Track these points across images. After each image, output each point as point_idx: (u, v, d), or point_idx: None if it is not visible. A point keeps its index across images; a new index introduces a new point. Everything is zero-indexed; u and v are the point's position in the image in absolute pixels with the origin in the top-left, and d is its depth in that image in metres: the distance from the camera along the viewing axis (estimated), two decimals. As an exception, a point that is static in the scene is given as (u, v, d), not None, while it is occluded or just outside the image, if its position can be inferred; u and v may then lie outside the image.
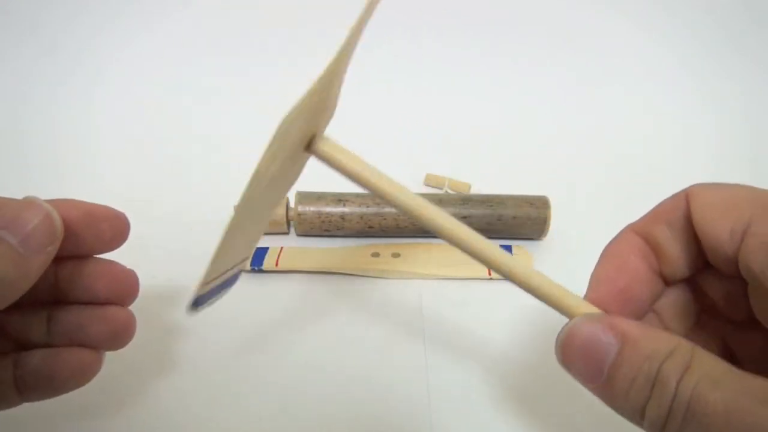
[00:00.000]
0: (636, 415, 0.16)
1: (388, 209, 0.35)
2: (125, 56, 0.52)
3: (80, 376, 0.22)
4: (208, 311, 0.31)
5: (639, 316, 0.20)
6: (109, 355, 0.23)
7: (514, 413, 0.27)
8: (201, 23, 0.52)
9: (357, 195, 0.36)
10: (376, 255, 0.35)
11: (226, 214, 0.39)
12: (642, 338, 0.16)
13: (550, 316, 0.32)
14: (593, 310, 0.19)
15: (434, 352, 0.29)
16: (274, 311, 0.32)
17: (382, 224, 0.36)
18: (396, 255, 0.35)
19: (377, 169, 0.19)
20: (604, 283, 0.20)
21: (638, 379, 0.16)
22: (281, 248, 0.35)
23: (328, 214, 0.35)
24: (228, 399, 0.27)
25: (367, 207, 0.35)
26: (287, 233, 0.37)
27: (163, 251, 0.35)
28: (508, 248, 0.35)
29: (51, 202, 0.20)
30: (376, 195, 0.19)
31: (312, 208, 0.35)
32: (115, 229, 0.22)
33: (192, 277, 0.35)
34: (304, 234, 0.37)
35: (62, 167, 0.44)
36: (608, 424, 0.26)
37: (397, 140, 0.48)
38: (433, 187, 0.43)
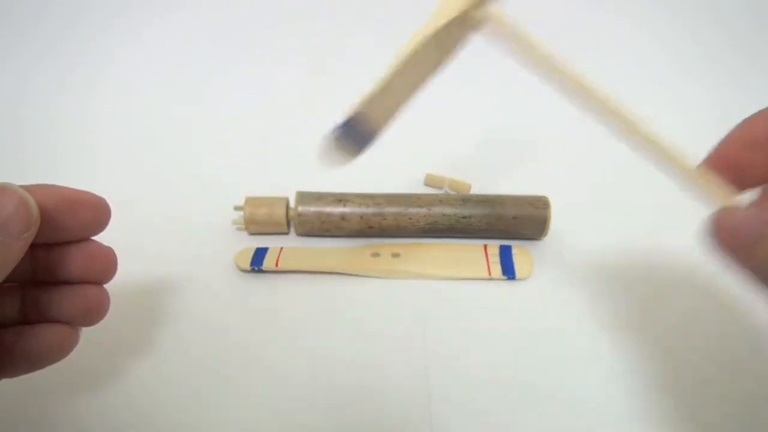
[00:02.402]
0: None
1: (388, 209, 0.35)
2: (125, 56, 0.52)
3: (57, 351, 0.22)
4: (207, 309, 0.32)
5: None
6: (111, 362, 0.23)
7: (514, 413, 0.27)
8: (200, 24, 0.52)
9: (357, 195, 0.36)
10: (376, 255, 0.35)
11: (223, 213, 0.40)
12: None
13: (550, 316, 0.32)
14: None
15: (434, 352, 0.29)
16: (274, 311, 0.32)
17: (382, 224, 0.36)
18: (396, 255, 0.35)
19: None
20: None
21: None
22: (281, 248, 0.35)
23: (328, 214, 0.35)
24: (227, 399, 0.27)
25: (367, 207, 0.35)
26: (287, 233, 0.37)
27: (159, 247, 0.35)
28: (508, 248, 0.35)
29: (27, 187, 0.20)
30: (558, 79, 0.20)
31: (312, 208, 0.35)
32: (95, 215, 0.22)
33: (186, 273, 0.35)
34: (304, 234, 0.37)
35: (61, 166, 0.44)
36: (608, 425, 0.26)
37: (397, 140, 0.48)
38: (433, 187, 0.43)
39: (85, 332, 0.24)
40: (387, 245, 0.36)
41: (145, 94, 0.51)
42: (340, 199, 0.35)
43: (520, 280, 0.34)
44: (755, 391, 0.28)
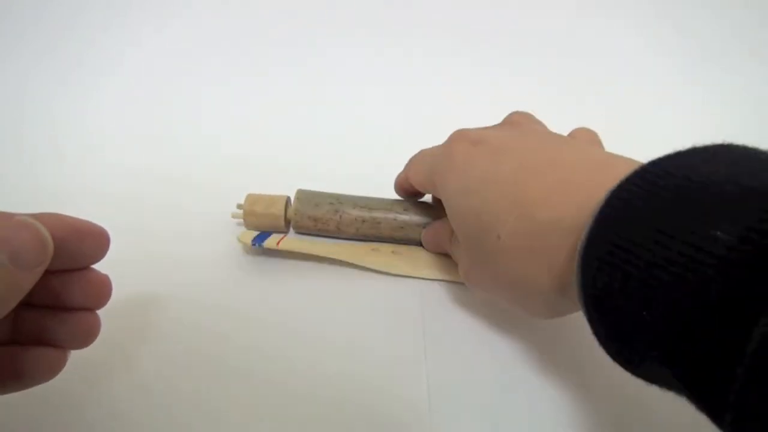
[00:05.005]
0: None
1: (384, 223, 0.35)
2: (125, 55, 0.52)
3: (47, 373, 0.23)
4: (204, 304, 0.31)
5: None
6: (108, 346, 0.23)
7: (513, 415, 0.27)
8: (201, 23, 0.52)
9: (354, 205, 0.36)
10: (375, 251, 0.35)
11: (222, 213, 0.39)
12: None
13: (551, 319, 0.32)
14: None
15: (434, 353, 0.29)
16: (271, 308, 0.32)
17: (379, 238, 0.36)
18: (396, 253, 0.35)
19: None
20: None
21: None
22: (282, 235, 0.35)
23: (324, 221, 0.35)
24: (221, 394, 0.27)
25: (363, 222, 0.35)
26: (286, 232, 0.37)
27: (158, 247, 0.35)
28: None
29: (37, 216, 0.20)
30: None
31: (308, 214, 0.35)
32: (98, 245, 0.23)
33: (186, 274, 0.34)
34: (302, 233, 0.37)
35: (61, 166, 0.44)
36: (610, 425, 0.26)
37: (396, 139, 0.48)
38: None
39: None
40: (386, 245, 0.36)
41: (146, 94, 0.51)
42: (337, 210, 0.35)
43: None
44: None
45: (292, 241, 0.35)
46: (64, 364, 0.23)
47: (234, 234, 0.37)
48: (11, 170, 0.43)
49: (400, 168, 0.36)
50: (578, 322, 0.31)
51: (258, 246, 0.34)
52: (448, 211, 0.28)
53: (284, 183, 0.38)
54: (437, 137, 0.49)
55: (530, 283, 0.22)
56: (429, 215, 0.35)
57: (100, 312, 0.24)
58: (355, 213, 0.35)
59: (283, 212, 0.36)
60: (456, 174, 0.27)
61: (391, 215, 0.35)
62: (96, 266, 0.24)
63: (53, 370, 0.23)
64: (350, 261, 0.34)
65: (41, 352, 0.23)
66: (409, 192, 0.35)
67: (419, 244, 0.36)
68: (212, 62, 0.52)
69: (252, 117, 0.50)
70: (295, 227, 0.36)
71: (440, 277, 0.34)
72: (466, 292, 0.33)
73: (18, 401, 0.25)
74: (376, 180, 0.38)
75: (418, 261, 0.35)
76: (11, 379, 0.22)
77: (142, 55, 0.52)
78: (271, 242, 0.34)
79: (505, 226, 0.23)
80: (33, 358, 0.22)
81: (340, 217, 0.35)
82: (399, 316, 0.32)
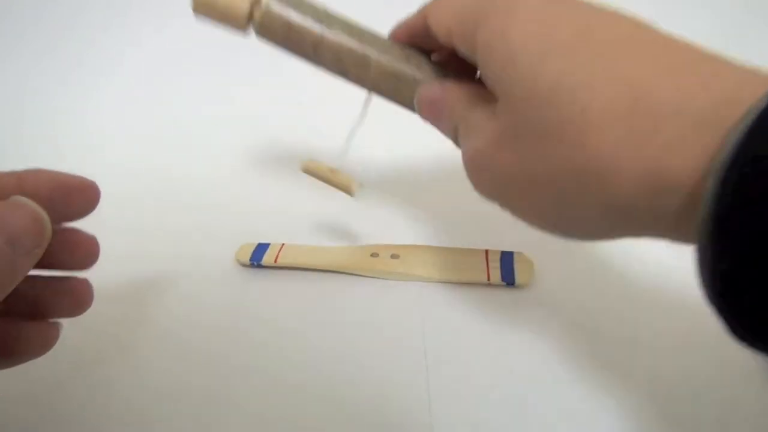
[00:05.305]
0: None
1: (375, 65, 0.27)
2: (125, 55, 0.52)
3: (40, 348, 0.22)
4: (204, 304, 0.31)
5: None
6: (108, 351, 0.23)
7: (513, 418, 0.27)
8: (202, 22, 0.52)
9: (344, 28, 0.27)
10: (375, 255, 0.35)
11: (223, 212, 0.39)
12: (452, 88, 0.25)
13: (549, 322, 0.32)
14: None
15: (434, 354, 0.29)
16: (272, 311, 0.32)
17: (359, 75, 0.27)
18: (395, 256, 0.35)
19: None
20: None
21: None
22: (282, 245, 0.35)
23: (300, 33, 0.27)
24: (221, 394, 0.27)
25: (349, 53, 0.27)
26: (244, 30, 0.27)
27: (159, 244, 0.35)
28: (510, 254, 0.35)
29: (21, 173, 0.20)
30: None
31: (284, 18, 0.26)
32: (87, 198, 0.22)
33: (185, 273, 0.35)
34: (265, 37, 0.28)
35: (61, 166, 0.44)
36: (610, 426, 0.26)
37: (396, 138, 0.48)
38: (312, 175, 0.32)
39: (79, 332, 0.24)
40: (386, 246, 0.36)
41: (146, 94, 0.51)
42: (321, 26, 0.26)
43: (519, 287, 0.33)
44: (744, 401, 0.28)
45: (289, 255, 0.34)
46: (56, 339, 0.23)
47: (233, 233, 0.37)
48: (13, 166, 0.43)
49: (400, 168, 0.36)
50: (580, 326, 0.31)
51: (256, 264, 0.34)
52: (494, 66, 0.21)
53: (285, 182, 0.38)
54: (439, 137, 0.49)
55: (603, 180, 0.18)
56: (436, 73, 0.27)
57: (101, 311, 0.24)
58: (342, 38, 0.26)
59: (248, 6, 0.26)
60: (526, 24, 0.20)
61: (386, 57, 0.26)
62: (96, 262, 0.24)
63: (45, 345, 0.22)
64: (349, 271, 0.34)
65: (33, 327, 0.22)
66: (415, 42, 0.27)
67: (409, 104, 0.27)
68: (212, 62, 0.52)
69: (252, 117, 0.50)
70: (259, 29, 0.27)
71: (441, 279, 0.34)
72: (466, 293, 0.33)
73: (19, 400, 0.25)
74: (377, 180, 0.38)
75: (418, 263, 0.35)
76: (5, 355, 0.22)
77: (142, 55, 0.52)
78: (268, 258, 0.34)
79: (598, 99, 0.18)
80: (26, 332, 0.22)
81: (322, 36, 0.26)
82: (399, 317, 0.32)
